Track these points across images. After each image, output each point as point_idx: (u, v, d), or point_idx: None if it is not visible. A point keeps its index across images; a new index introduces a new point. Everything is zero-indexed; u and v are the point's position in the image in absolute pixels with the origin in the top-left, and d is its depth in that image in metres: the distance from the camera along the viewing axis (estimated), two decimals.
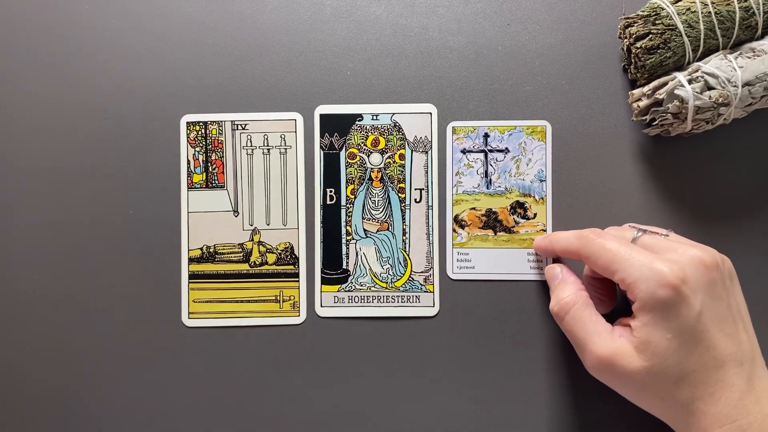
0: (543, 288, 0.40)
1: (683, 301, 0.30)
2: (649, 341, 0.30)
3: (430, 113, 0.41)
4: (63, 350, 0.41)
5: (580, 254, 0.34)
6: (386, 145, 0.41)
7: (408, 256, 0.41)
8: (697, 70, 0.36)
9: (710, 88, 0.35)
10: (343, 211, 0.41)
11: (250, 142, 0.41)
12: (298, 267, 0.41)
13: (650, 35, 0.36)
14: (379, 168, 0.41)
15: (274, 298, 0.41)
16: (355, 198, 0.41)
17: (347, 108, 0.41)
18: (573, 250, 0.35)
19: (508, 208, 0.41)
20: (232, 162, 0.41)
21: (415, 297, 0.40)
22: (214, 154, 0.41)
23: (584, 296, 0.35)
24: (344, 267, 0.41)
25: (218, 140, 0.41)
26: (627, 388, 0.32)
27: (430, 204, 0.41)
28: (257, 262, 0.41)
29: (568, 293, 0.35)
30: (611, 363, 0.32)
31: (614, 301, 0.37)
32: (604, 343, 0.32)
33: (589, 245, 0.33)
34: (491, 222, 0.41)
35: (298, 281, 0.41)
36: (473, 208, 0.41)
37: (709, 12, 0.36)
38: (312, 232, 0.41)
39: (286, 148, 0.41)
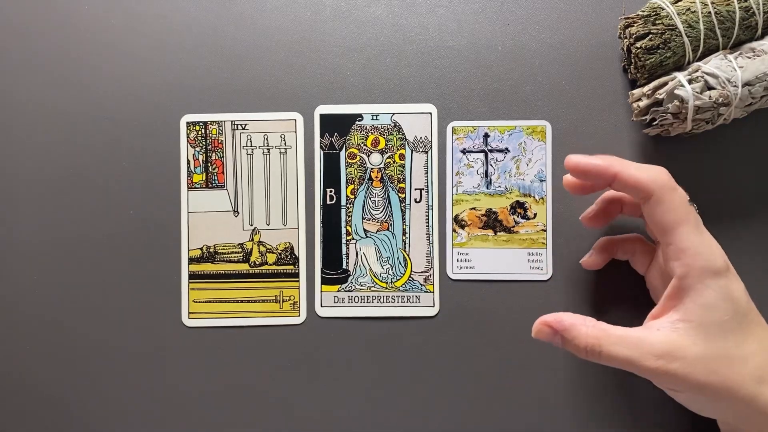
0: (543, 288, 0.40)
1: (735, 278, 0.30)
2: (703, 319, 0.30)
3: (430, 113, 0.41)
4: (63, 350, 0.41)
5: (651, 195, 0.31)
6: (386, 145, 0.41)
7: (408, 256, 0.41)
8: (697, 70, 0.36)
9: (710, 88, 0.35)
10: (343, 211, 0.41)
11: (250, 142, 0.41)
12: (298, 267, 0.41)
13: (650, 35, 0.36)
14: (379, 168, 0.41)
15: (274, 298, 0.41)
16: (355, 198, 0.41)
17: (347, 108, 0.41)
18: (646, 191, 0.31)
19: (508, 208, 0.41)
20: (232, 162, 0.41)
21: (415, 297, 0.40)
22: (214, 154, 0.41)
23: (593, 321, 0.32)
24: (344, 267, 0.41)
25: (218, 140, 0.41)
26: (691, 382, 0.30)
27: (430, 204, 0.41)
28: (257, 262, 0.41)
29: (582, 334, 0.31)
30: (671, 355, 0.30)
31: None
32: (656, 338, 0.30)
33: (619, 163, 0.32)
34: (491, 222, 0.41)
35: (298, 281, 0.41)
36: (473, 208, 0.41)
37: (709, 12, 0.36)
38: (312, 232, 0.41)
39: (286, 148, 0.41)
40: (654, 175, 0.31)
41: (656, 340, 0.30)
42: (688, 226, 0.31)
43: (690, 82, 0.36)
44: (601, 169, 0.32)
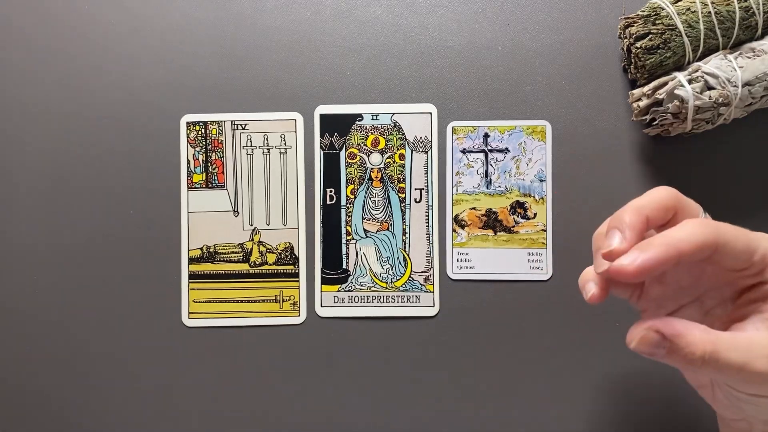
0: (543, 288, 0.40)
1: None
2: None
3: (430, 113, 0.41)
4: (63, 350, 0.41)
5: (716, 243, 0.26)
6: (386, 145, 0.41)
7: (408, 256, 0.41)
8: (697, 70, 0.36)
9: (710, 88, 0.35)
10: (343, 211, 0.41)
11: (250, 142, 0.41)
12: (298, 267, 0.41)
13: (650, 35, 0.36)
14: (379, 168, 0.41)
15: (274, 298, 0.41)
16: (355, 198, 0.41)
17: (347, 108, 0.41)
18: (709, 243, 0.26)
19: (508, 208, 0.41)
20: (232, 162, 0.41)
21: (415, 297, 0.40)
22: (214, 154, 0.41)
23: (707, 329, 0.27)
24: (344, 267, 0.41)
25: (218, 140, 0.41)
26: None
27: (430, 204, 0.41)
28: (257, 262, 0.41)
29: (698, 340, 0.26)
30: None
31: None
32: (764, 337, 0.26)
33: (722, 229, 0.26)
34: (491, 222, 0.41)
35: (298, 281, 0.41)
36: (473, 208, 0.41)
37: (709, 12, 0.36)
38: (312, 232, 0.41)
39: (286, 148, 0.41)
40: (704, 224, 0.27)
41: (764, 339, 0.26)
42: (751, 234, 0.27)
43: (690, 82, 0.36)
44: (669, 258, 0.26)
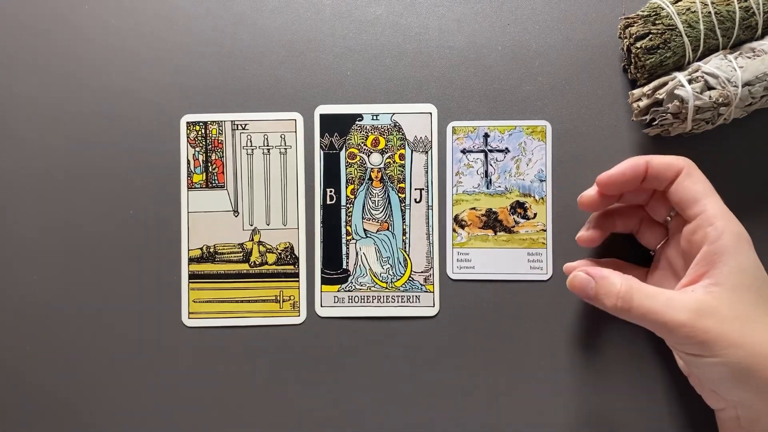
0: (543, 288, 0.40)
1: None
2: (738, 282, 0.30)
3: (430, 113, 0.41)
4: (63, 350, 0.41)
5: (681, 169, 0.33)
6: (386, 145, 0.41)
7: (408, 256, 0.41)
8: (697, 70, 0.36)
9: (710, 88, 0.35)
10: (343, 211, 0.41)
11: (250, 142, 0.41)
12: (298, 267, 0.41)
13: (650, 35, 0.36)
14: (379, 168, 0.41)
15: (274, 298, 0.41)
16: (355, 198, 0.41)
17: (347, 108, 0.41)
18: (677, 166, 0.33)
19: (508, 208, 0.41)
20: (232, 162, 0.41)
21: (415, 297, 0.40)
22: (214, 154, 0.41)
23: (630, 277, 0.32)
24: (344, 267, 0.41)
25: (218, 140, 0.41)
26: (724, 342, 0.30)
27: (430, 204, 0.41)
28: (257, 262, 0.41)
29: (617, 281, 0.32)
30: (705, 312, 0.30)
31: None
32: (690, 297, 0.31)
33: (691, 165, 0.33)
34: (491, 222, 0.41)
35: (298, 281, 0.41)
36: (473, 208, 0.41)
37: (709, 12, 0.36)
38: (312, 232, 0.41)
39: (286, 148, 0.41)
40: (678, 156, 0.34)
41: (690, 298, 0.30)
42: (716, 195, 0.33)
43: (690, 82, 0.36)
44: (634, 167, 0.34)
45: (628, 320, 0.32)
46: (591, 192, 0.36)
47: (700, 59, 0.37)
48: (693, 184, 0.33)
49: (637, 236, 0.38)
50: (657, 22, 0.36)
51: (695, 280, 0.32)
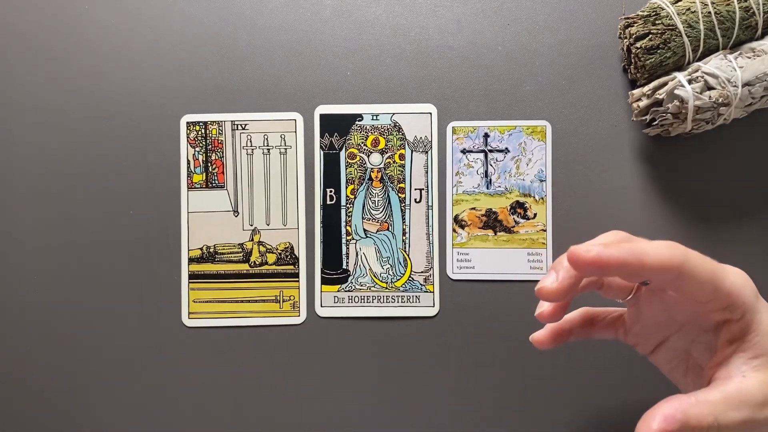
0: None
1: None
2: None
3: (430, 113, 0.41)
4: (63, 350, 0.41)
5: (681, 267, 0.25)
6: (386, 145, 0.41)
7: (408, 256, 0.41)
8: (697, 70, 0.36)
9: (710, 88, 0.35)
10: (343, 211, 0.41)
11: (250, 142, 0.41)
12: (298, 267, 0.41)
13: (650, 35, 0.36)
14: (379, 168, 0.41)
15: (274, 298, 0.41)
16: (355, 198, 0.41)
17: (347, 108, 0.41)
18: (674, 264, 0.25)
19: (508, 208, 0.41)
20: (232, 162, 0.41)
21: (415, 297, 0.40)
22: (214, 154, 0.41)
23: (687, 396, 0.27)
24: (344, 267, 0.41)
25: (218, 140, 0.41)
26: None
27: (430, 204, 0.41)
28: (257, 262, 0.41)
29: (698, 412, 0.26)
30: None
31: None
32: (751, 384, 0.26)
33: (690, 255, 0.26)
34: (491, 222, 0.41)
35: (298, 281, 0.41)
36: (473, 208, 0.41)
37: (709, 12, 0.36)
38: (312, 232, 0.41)
39: (286, 148, 0.41)
40: (673, 246, 0.26)
41: (753, 387, 0.27)
42: (719, 266, 0.27)
43: (690, 82, 0.36)
44: (629, 262, 0.25)
45: None
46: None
47: (700, 59, 0.37)
48: (701, 273, 0.26)
49: (602, 291, 0.32)
50: (657, 22, 0.36)
51: (725, 359, 0.28)
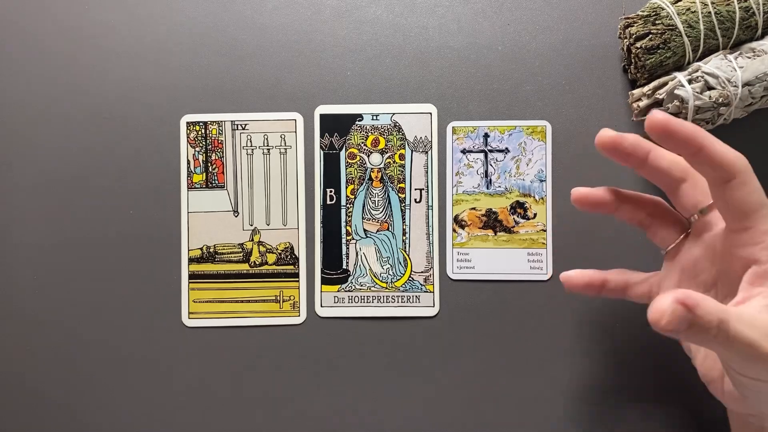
0: (543, 288, 0.40)
1: None
2: None
3: (430, 113, 0.41)
4: (63, 350, 0.41)
5: (737, 174, 0.27)
6: (386, 145, 0.41)
7: (408, 256, 0.41)
8: (697, 70, 0.36)
9: (710, 88, 0.35)
10: (343, 211, 0.41)
11: (250, 142, 0.41)
12: (298, 267, 0.41)
13: (650, 35, 0.36)
14: (379, 168, 0.41)
15: (274, 298, 0.41)
16: (355, 198, 0.41)
17: (347, 108, 0.41)
18: (734, 164, 0.27)
19: (508, 208, 0.41)
20: (232, 162, 0.41)
21: (415, 297, 0.40)
22: (214, 154, 0.41)
23: (715, 302, 0.26)
24: (344, 267, 0.41)
25: (218, 140, 0.41)
26: None
27: (430, 204, 0.41)
28: (257, 262, 0.41)
29: (714, 306, 0.25)
30: None
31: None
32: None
33: (750, 170, 0.28)
34: (491, 222, 0.41)
35: (298, 281, 0.41)
36: (473, 208, 0.41)
37: (709, 12, 0.36)
38: (312, 232, 0.41)
39: (286, 148, 0.41)
40: (739, 155, 0.28)
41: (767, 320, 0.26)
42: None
43: (690, 82, 0.36)
44: (690, 135, 0.27)
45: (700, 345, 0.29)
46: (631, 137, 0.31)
47: (700, 59, 0.37)
48: (748, 194, 0.28)
49: (647, 231, 0.34)
50: (657, 22, 0.36)
51: (747, 299, 0.28)
